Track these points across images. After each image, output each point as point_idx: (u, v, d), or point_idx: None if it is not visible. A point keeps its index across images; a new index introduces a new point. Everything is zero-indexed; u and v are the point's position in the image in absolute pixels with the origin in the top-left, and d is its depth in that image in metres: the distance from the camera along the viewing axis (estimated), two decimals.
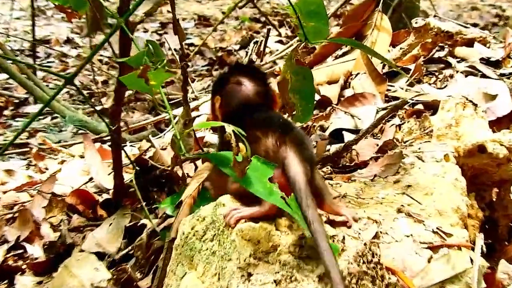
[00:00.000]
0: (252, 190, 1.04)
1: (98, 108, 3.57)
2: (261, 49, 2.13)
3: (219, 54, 5.12)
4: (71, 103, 4.04)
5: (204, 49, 5.06)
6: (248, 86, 1.31)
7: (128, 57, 1.43)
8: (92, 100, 4.07)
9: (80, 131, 3.42)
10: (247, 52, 1.95)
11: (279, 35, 5.11)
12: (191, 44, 5.18)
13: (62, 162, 2.47)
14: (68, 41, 5.58)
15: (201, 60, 5.02)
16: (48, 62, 5.01)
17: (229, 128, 0.97)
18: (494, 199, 1.63)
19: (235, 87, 1.31)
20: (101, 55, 4.91)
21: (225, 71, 1.39)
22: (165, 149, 2.01)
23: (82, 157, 2.40)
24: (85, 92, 4.11)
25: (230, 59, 4.96)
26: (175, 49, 3.65)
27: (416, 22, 2.34)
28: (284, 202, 1.03)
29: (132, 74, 1.16)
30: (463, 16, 6.20)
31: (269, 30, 2.26)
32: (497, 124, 1.79)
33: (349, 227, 1.18)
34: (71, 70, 4.68)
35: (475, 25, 4.90)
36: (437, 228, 1.28)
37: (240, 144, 0.99)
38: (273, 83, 1.80)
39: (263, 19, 5.90)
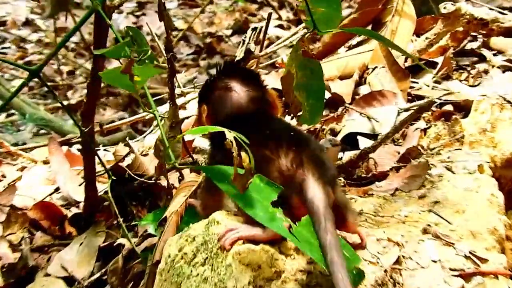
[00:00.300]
0: (251, 214, 1.05)
1: (64, 103, 3.57)
2: (261, 37, 2.14)
3: (208, 40, 5.13)
4: (31, 98, 4.04)
5: (189, 34, 5.07)
6: (239, 92, 1.32)
7: (104, 47, 1.44)
8: (56, 93, 4.07)
9: (42, 131, 3.43)
10: (244, 41, 1.96)
11: (280, 18, 5.13)
12: (175, 29, 5.19)
13: (22, 168, 2.47)
14: (27, 23, 5.58)
15: (186, 47, 5.04)
16: (3, 48, 5.00)
17: (230, 135, 0.98)
18: None
19: (224, 94, 1.33)
20: None
21: (212, 74, 1.40)
22: (146, 155, 2.02)
23: (46, 162, 2.40)
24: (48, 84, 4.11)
25: (220, 46, 4.98)
26: (156, 34, 3.66)
27: (444, 7, 2.36)
28: (288, 231, 1.04)
29: (113, 70, 1.17)
30: None
31: (270, 14, 2.27)
32: None
33: (363, 247, 1.20)
34: (30, 58, 4.69)
35: None
36: (469, 252, 1.29)
37: (243, 153, 1.00)
38: (276, 79, 1.81)
39: None
